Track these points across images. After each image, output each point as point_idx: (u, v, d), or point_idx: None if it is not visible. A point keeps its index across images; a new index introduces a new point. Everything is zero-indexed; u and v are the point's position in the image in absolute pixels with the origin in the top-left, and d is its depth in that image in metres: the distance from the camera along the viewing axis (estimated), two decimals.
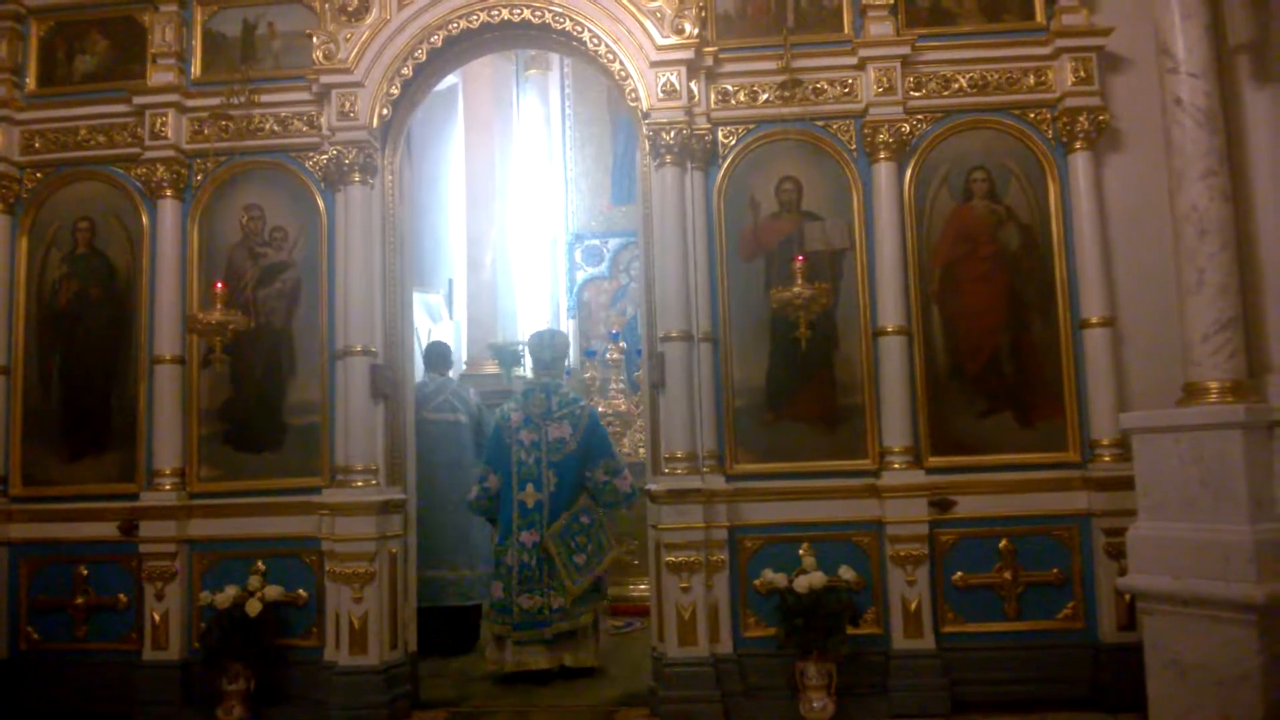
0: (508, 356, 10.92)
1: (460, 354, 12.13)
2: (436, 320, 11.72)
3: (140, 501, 5.04)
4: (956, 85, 4.98)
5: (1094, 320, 4.80)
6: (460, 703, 5.22)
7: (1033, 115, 4.98)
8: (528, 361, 10.54)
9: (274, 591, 4.85)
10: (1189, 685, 3.82)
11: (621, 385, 9.21)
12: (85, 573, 5.13)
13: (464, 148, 10.67)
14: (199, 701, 4.88)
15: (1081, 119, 4.85)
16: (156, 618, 4.98)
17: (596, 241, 10.59)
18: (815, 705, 4.44)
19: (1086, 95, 4.87)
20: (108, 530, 5.08)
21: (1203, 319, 4.12)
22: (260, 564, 4.96)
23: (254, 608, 4.74)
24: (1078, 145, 4.88)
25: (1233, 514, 3.78)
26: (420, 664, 5.30)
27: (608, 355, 9.40)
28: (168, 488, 5.03)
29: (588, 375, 8.91)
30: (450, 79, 7.29)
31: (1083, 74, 4.88)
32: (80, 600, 5.12)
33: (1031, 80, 4.97)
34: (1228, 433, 3.84)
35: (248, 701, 4.73)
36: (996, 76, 4.97)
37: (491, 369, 11.20)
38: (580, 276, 10.64)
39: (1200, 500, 3.88)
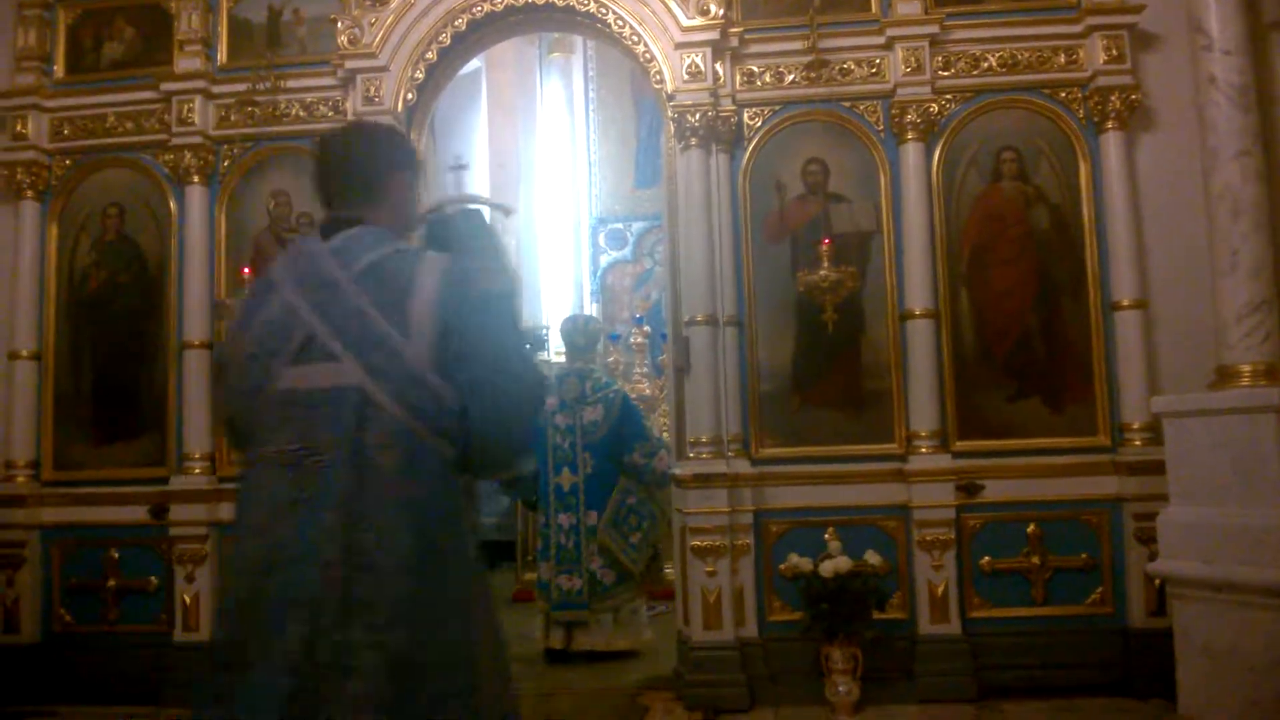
0: (532, 341, 10.95)
1: None
2: None
3: (170, 485, 5.10)
4: (986, 64, 4.92)
5: (1125, 302, 4.74)
6: None
7: (1063, 94, 4.91)
8: (551, 345, 10.60)
9: None
10: (1219, 671, 3.79)
11: (645, 369, 9.22)
12: (116, 556, 5.20)
13: (487, 131, 10.67)
14: None
15: (1113, 98, 4.77)
16: (187, 600, 5.04)
17: (620, 225, 10.58)
18: (840, 689, 4.44)
19: (1118, 74, 4.79)
20: (138, 514, 5.13)
21: (1235, 301, 4.08)
22: None
23: None
24: (1109, 125, 4.80)
25: (1265, 499, 3.74)
26: None
27: (631, 339, 9.40)
28: (198, 471, 5.08)
29: (611, 359, 8.91)
30: (474, 63, 7.28)
31: (1114, 52, 4.80)
32: (111, 583, 5.19)
33: (1062, 59, 4.89)
34: (1261, 417, 3.79)
35: None
36: (1026, 55, 4.90)
37: None
38: (604, 260, 10.63)
39: (1232, 485, 3.85)
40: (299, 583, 1.83)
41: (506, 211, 2.56)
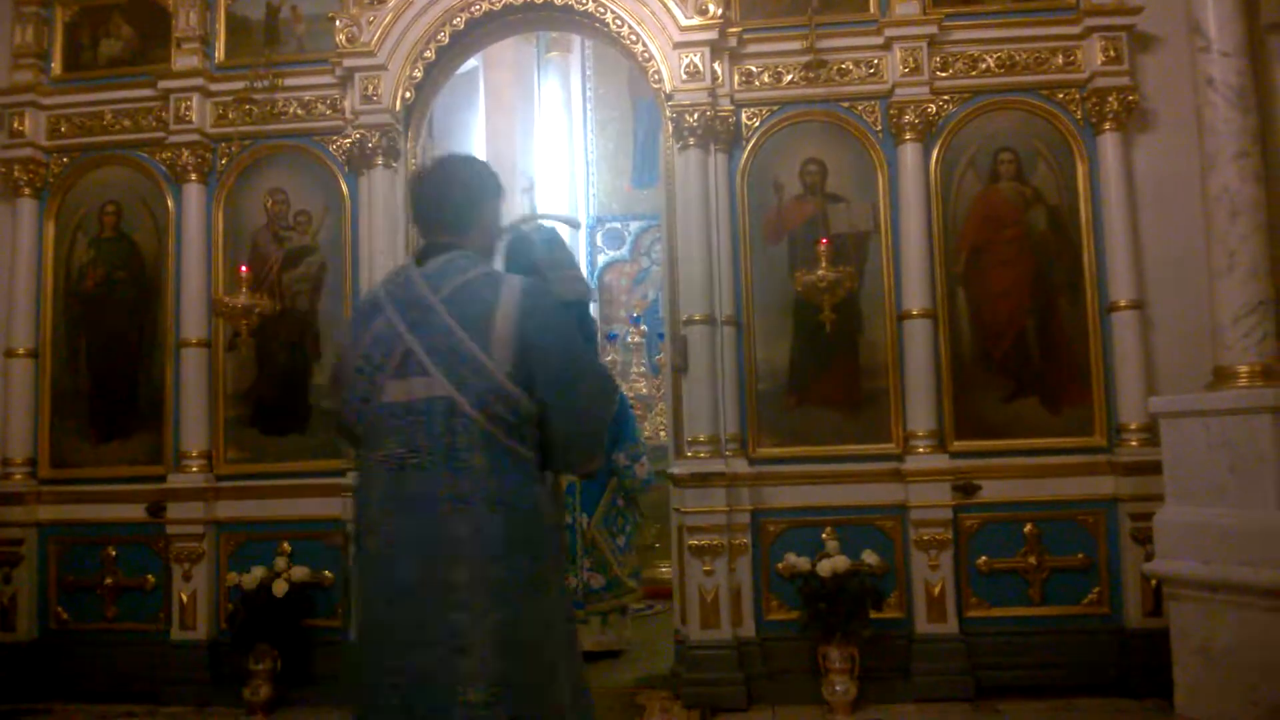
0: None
1: None
2: None
3: (168, 483, 5.10)
4: (984, 65, 4.92)
5: (1122, 303, 4.74)
6: None
7: (1061, 95, 4.91)
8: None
9: (300, 572, 4.88)
10: (1216, 671, 3.80)
11: (643, 368, 9.21)
12: (114, 554, 5.19)
13: (485, 131, 10.65)
14: (226, 681, 4.93)
15: (1111, 99, 4.78)
16: (184, 598, 5.04)
17: (618, 224, 10.57)
18: (838, 688, 4.44)
19: (1116, 75, 4.80)
20: (135, 512, 5.13)
21: (1233, 302, 4.09)
22: (286, 545, 5.00)
23: (280, 588, 4.77)
24: (1107, 126, 4.81)
25: (1262, 499, 3.75)
26: None
27: (629, 338, 9.40)
28: (195, 469, 5.08)
29: (609, 358, 8.91)
30: (471, 62, 7.27)
31: (1112, 53, 4.81)
32: (109, 581, 5.18)
33: (1060, 60, 4.90)
34: (1258, 417, 3.80)
35: (274, 681, 4.78)
36: (1025, 56, 4.91)
37: None
38: (601, 259, 10.62)
39: (1229, 485, 3.85)
40: (406, 573, 2.12)
41: (574, 225, 2.80)
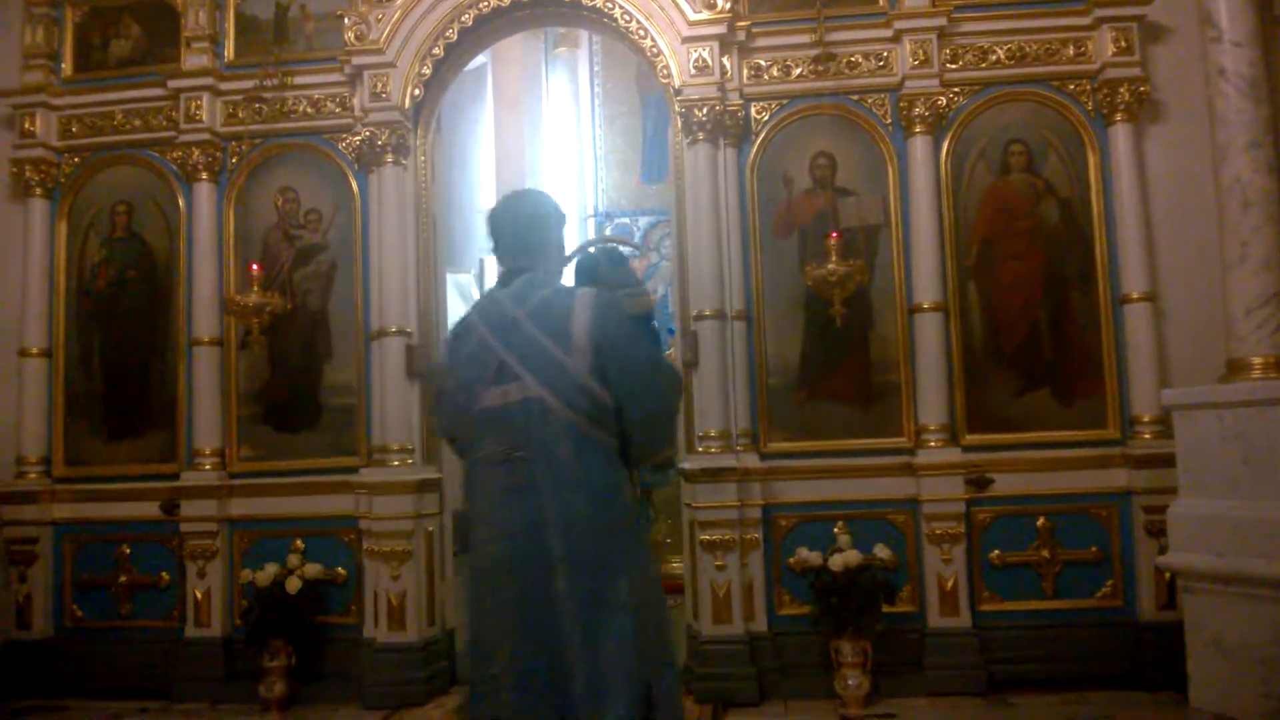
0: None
1: None
2: (468, 300, 11.78)
3: (181, 481, 5.12)
4: (994, 57, 4.91)
5: (1135, 295, 4.72)
6: None
7: (1072, 87, 4.89)
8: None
9: (313, 569, 4.90)
10: (1230, 664, 3.79)
11: None
12: (128, 551, 5.22)
13: (493, 126, 10.66)
14: (240, 678, 4.96)
15: (1122, 90, 4.76)
16: (198, 595, 5.06)
17: (626, 220, 10.55)
18: (850, 683, 4.44)
19: (1127, 66, 4.78)
20: (149, 510, 5.15)
21: (1246, 293, 4.07)
22: (299, 542, 5.02)
23: (294, 585, 4.80)
24: (1118, 117, 4.79)
25: (1277, 491, 3.74)
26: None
27: None
28: (208, 467, 5.10)
29: None
30: (479, 58, 7.27)
31: (1123, 44, 4.79)
32: (123, 579, 5.21)
33: (1071, 51, 4.88)
34: (1271, 409, 3.79)
35: (288, 678, 4.80)
36: (1035, 48, 4.89)
37: None
38: None
39: (1242, 478, 3.84)
40: (519, 550, 2.50)
41: (634, 249, 3.10)
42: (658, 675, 2.54)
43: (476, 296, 12.06)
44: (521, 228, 2.76)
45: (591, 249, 2.91)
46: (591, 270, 2.82)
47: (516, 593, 2.50)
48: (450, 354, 2.77)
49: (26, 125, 5.38)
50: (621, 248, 3.00)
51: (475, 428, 2.62)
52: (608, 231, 10.56)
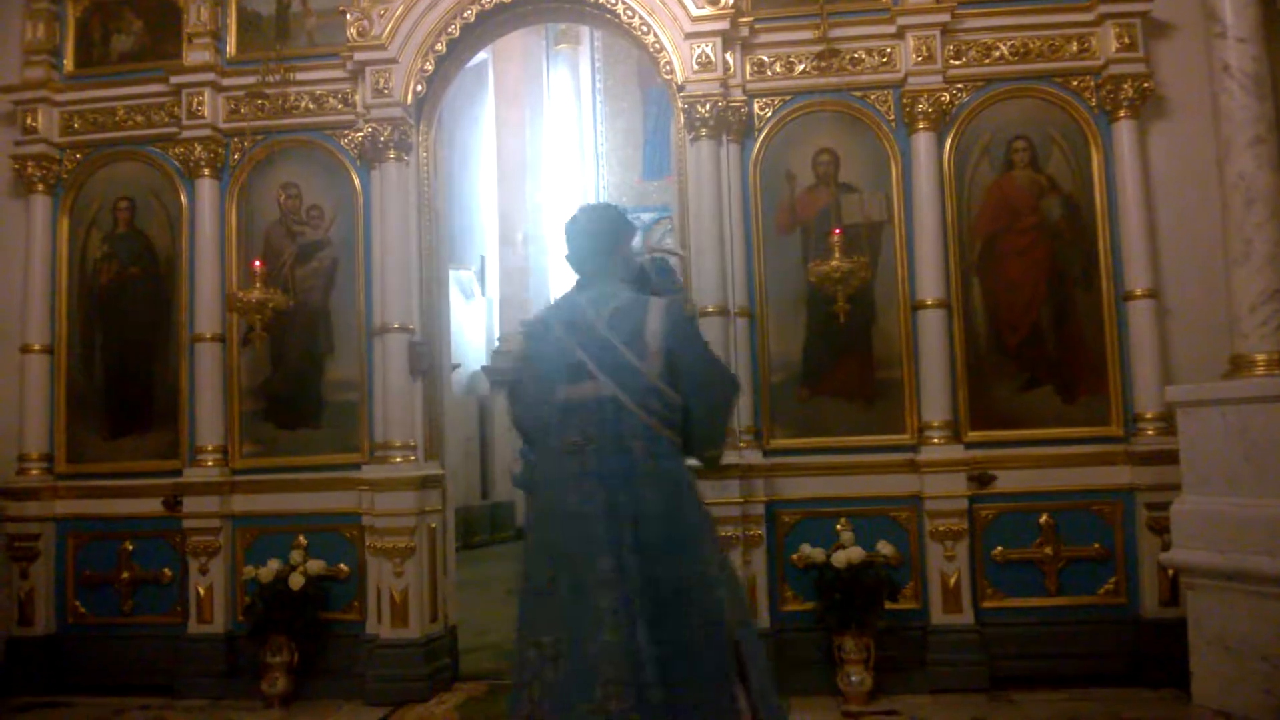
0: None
1: (493, 330, 12.22)
2: (469, 297, 11.78)
3: (183, 477, 5.12)
4: (997, 53, 4.90)
5: (1138, 292, 4.72)
6: (501, 675, 5.25)
7: (1075, 83, 4.89)
8: None
9: (316, 566, 4.90)
10: (1233, 660, 3.78)
11: None
12: (130, 548, 5.23)
13: (494, 123, 10.67)
14: (243, 674, 4.96)
15: (1125, 86, 4.75)
16: (201, 592, 5.06)
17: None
18: (853, 679, 4.44)
19: (1131, 62, 4.77)
20: (152, 506, 5.15)
21: (1250, 290, 4.06)
22: (302, 539, 5.02)
23: (296, 582, 4.80)
24: (1122, 113, 4.78)
25: (1279, 488, 3.72)
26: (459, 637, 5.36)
27: None
28: (210, 464, 5.10)
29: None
30: (480, 54, 7.28)
31: (1127, 40, 4.78)
32: (126, 575, 5.22)
33: (1074, 47, 4.87)
34: (1275, 406, 3.77)
35: (291, 674, 4.80)
36: (1038, 44, 4.88)
37: None
38: None
39: (1246, 474, 3.83)
40: (589, 532, 2.70)
41: (680, 256, 3.84)
42: (743, 634, 2.77)
43: (477, 293, 12.08)
44: (595, 239, 3.02)
45: (639, 258, 3.13)
46: (642, 278, 3.05)
47: (576, 574, 2.70)
48: (527, 349, 3.03)
49: (28, 121, 5.37)
50: (669, 257, 3.26)
51: (550, 419, 2.85)
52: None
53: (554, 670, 2.68)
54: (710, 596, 2.72)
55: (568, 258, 3.04)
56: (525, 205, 11.18)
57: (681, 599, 2.68)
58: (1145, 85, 4.77)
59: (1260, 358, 3.98)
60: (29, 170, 5.35)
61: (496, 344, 11.58)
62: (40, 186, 5.36)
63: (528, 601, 2.83)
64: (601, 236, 3.02)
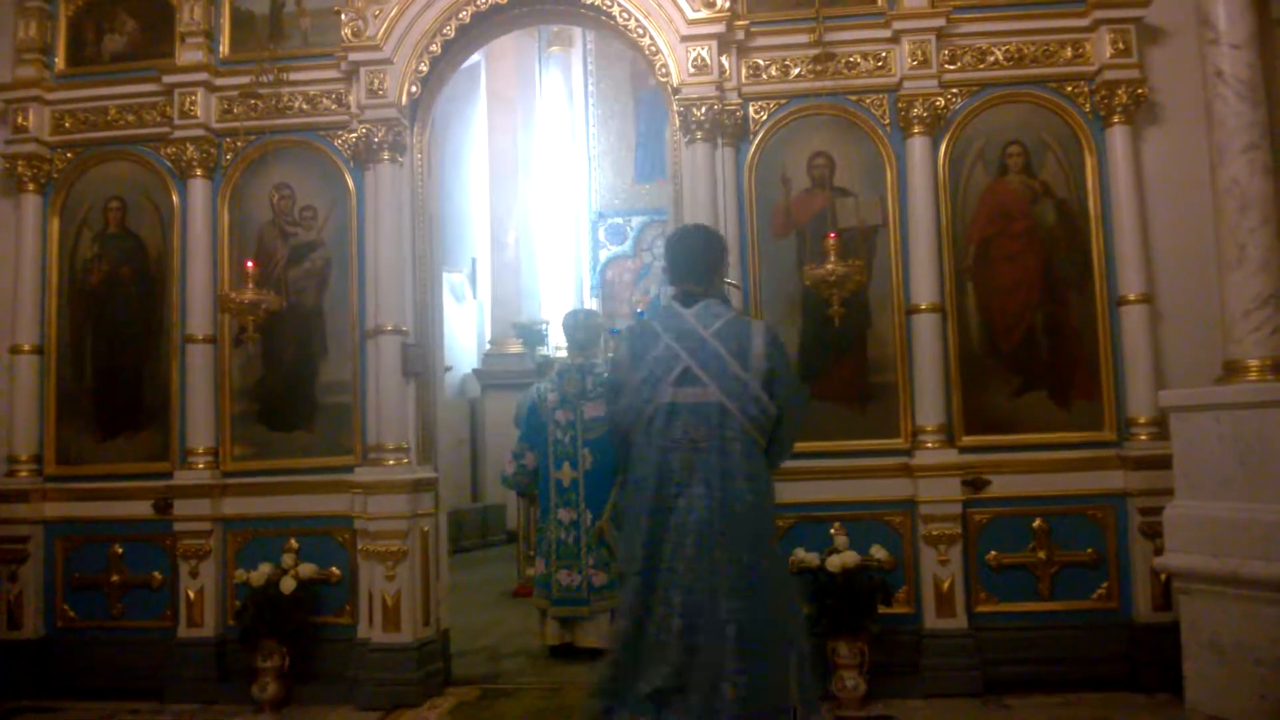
0: (531, 336, 10.95)
1: (484, 333, 12.19)
2: (460, 300, 11.76)
3: (174, 480, 5.08)
4: (992, 58, 4.91)
5: (1131, 297, 4.73)
6: (493, 679, 5.25)
7: (1070, 88, 4.90)
8: (551, 341, 10.57)
9: (308, 569, 4.87)
10: (1226, 665, 3.79)
11: None
12: (120, 551, 5.18)
13: (486, 125, 10.65)
14: (234, 678, 4.92)
15: (1120, 92, 4.77)
16: (191, 595, 5.03)
17: (620, 220, 10.57)
18: (847, 684, 4.43)
19: (1125, 68, 4.78)
20: (142, 509, 5.12)
21: (1243, 295, 4.07)
22: (293, 542, 4.99)
23: (288, 585, 4.77)
24: (1116, 119, 4.80)
25: (1273, 493, 3.74)
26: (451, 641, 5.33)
27: None
28: (201, 466, 5.06)
29: (612, 354, 8.87)
30: (473, 56, 7.27)
31: (1121, 46, 4.80)
32: (115, 578, 5.18)
33: (1069, 52, 4.89)
34: (1268, 411, 3.79)
35: (282, 678, 4.77)
36: (1033, 49, 4.89)
37: (515, 348, 11.23)
38: (603, 255, 10.62)
39: (1239, 479, 3.84)
40: (687, 521, 3.11)
41: (738, 287, 4.39)
42: (798, 616, 3.27)
43: (469, 295, 12.06)
44: (695, 257, 3.38)
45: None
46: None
47: (669, 557, 3.09)
48: (631, 353, 3.35)
49: (19, 120, 5.33)
50: (729, 288, 3.71)
51: (655, 418, 3.20)
52: (601, 235, 10.56)
53: (636, 645, 3.11)
54: (784, 589, 3.16)
55: (671, 272, 3.38)
56: (517, 208, 11.16)
57: (763, 586, 3.06)
58: (1139, 91, 4.79)
59: (1253, 363, 3.99)
60: (19, 169, 5.30)
61: (488, 347, 11.56)
62: (31, 186, 5.32)
63: (628, 583, 3.21)
64: (701, 255, 3.38)
